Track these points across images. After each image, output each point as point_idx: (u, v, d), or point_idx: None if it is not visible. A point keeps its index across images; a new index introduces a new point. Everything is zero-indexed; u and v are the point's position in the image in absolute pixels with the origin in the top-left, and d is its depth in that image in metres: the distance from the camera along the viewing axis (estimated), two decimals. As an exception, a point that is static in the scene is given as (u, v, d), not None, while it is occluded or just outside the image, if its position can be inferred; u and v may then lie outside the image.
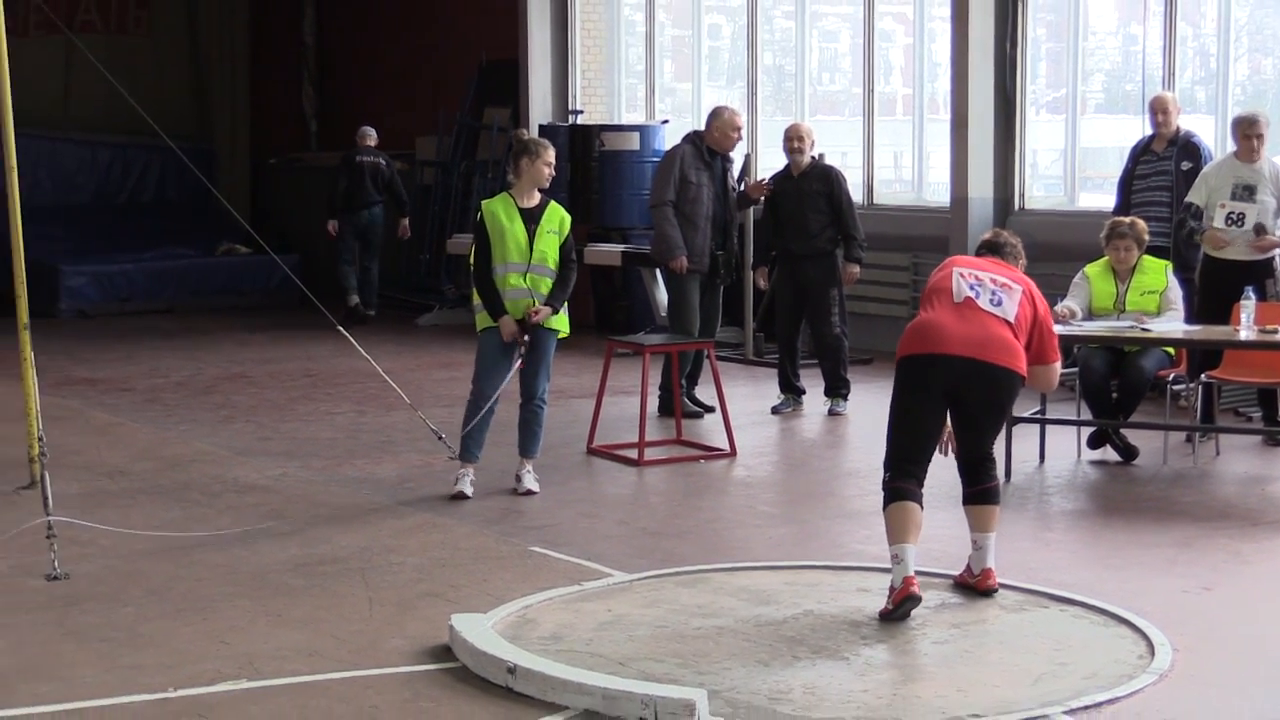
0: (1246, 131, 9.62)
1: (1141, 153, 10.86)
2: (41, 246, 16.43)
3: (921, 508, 6.62)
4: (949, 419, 6.79)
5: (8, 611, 6.67)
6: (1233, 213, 9.69)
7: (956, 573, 6.93)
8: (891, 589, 6.47)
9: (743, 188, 11.87)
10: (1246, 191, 9.65)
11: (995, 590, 6.74)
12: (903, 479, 6.65)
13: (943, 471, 9.25)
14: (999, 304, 6.74)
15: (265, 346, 15.14)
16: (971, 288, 6.78)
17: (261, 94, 21.49)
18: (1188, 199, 10.05)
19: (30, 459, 8.77)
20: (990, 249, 7.19)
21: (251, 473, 9.52)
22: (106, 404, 12.00)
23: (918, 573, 6.52)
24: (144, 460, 9.89)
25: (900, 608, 6.42)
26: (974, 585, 6.77)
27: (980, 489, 6.81)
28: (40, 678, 5.86)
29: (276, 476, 9.42)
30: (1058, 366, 6.99)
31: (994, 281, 6.82)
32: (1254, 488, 9.08)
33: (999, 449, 9.05)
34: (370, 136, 17.11)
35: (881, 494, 6.72)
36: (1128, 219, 9.75)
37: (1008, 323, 6.73)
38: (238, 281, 18.57)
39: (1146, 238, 9.61)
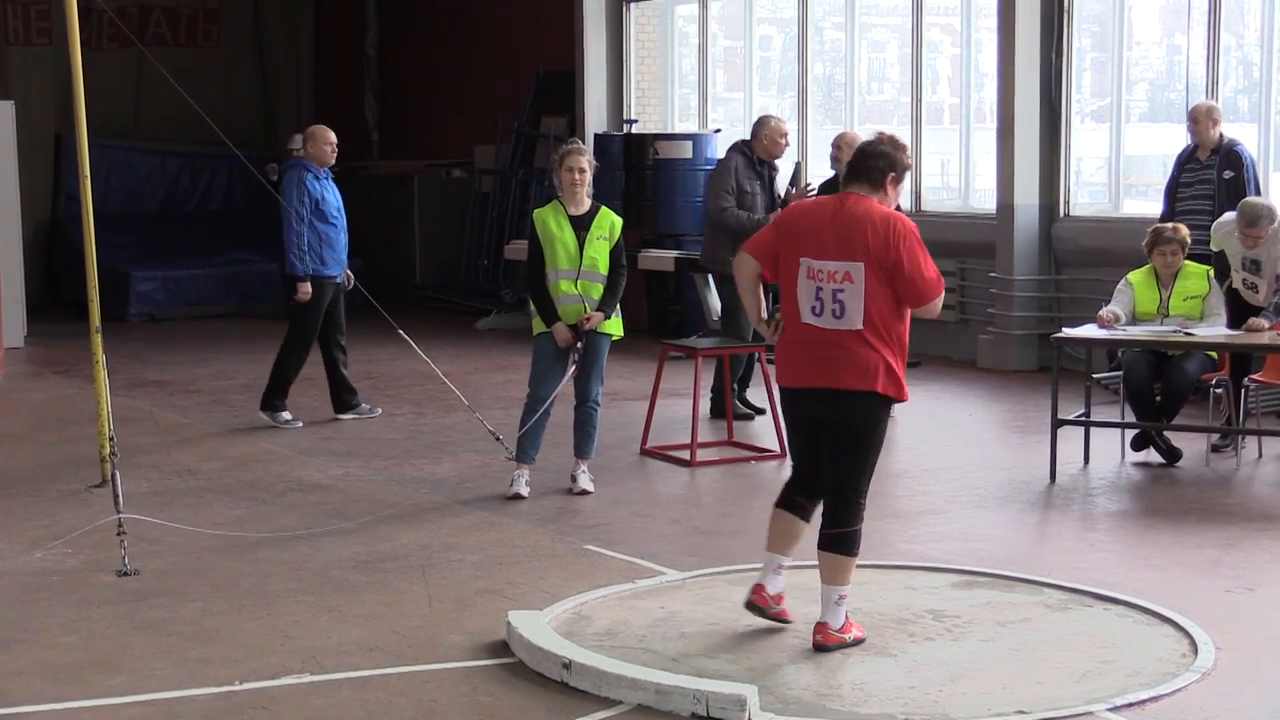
0: (1245, 230, 9.46)
1: (1186, 161, 10.86)
2: (113, 253, 16.72)
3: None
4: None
5: (80, 606, 6.83)
6: (1247, 279, 9.70)
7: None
8: None
9: (790, 193, 11.96)
10: (1254, 265, 9.63)
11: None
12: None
13: (993, 474, 9.40)
14: (840, 314, 6.00)
15: (327, 350, 15.28)
16: (817, 295, 6.01)
17: (325, 105, 21.71)
18: (1213, 246, 10.00)
19: (102, 458, 8.92)
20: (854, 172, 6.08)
21: (314, 472, 9.66)
22: (175, 405, 12.17)
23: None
24: (211, 460, 10.05)
25: None
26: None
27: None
28: (111, 670, 6.00)
29: (339, 476, 9.56)
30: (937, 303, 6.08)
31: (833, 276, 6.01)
32: (1298, 490, 9.13)
33: (1043, 450, 9.21)
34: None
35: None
36: (1170, 225, 9.78)
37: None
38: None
39: (1189, 241, 9.68)
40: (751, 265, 6.20)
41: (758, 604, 6.32)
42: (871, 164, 6.05)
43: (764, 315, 6.30)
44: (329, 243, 11.19)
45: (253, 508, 8.73)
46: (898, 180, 6.09)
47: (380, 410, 11.54)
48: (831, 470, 6.14)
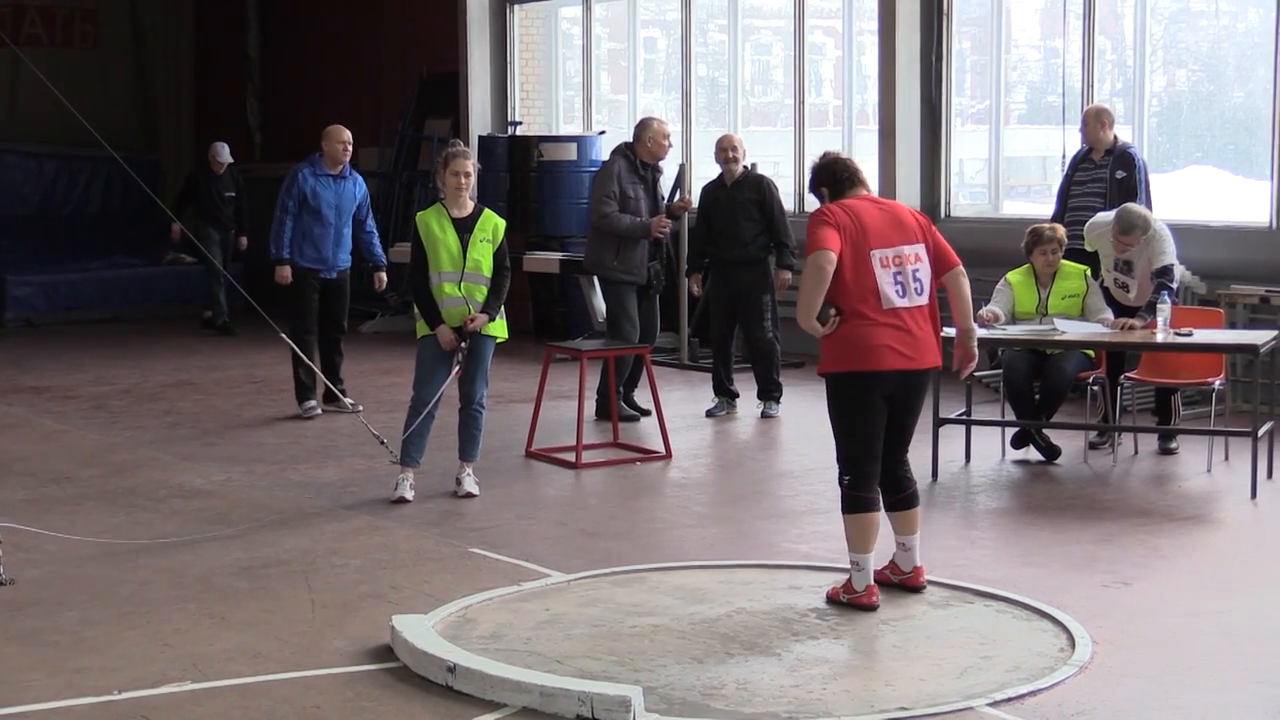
0: (1119, 237, 9.65)
1: (1080, 161, 11.06)
2: (-13, 257, 16.46)
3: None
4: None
5: (-45, 617, 6.69)
6: (1118, 279, 9.90)
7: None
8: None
9: (674, 198, 12.00)
10: (1126, 266, 9.83)
11: (924, 587, 6.91)
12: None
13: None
14: (921, 291, 6.75)
15: (211, 354, 15.13)
16: (895, 280, 6.67)
17: (206, 106, 21.46)
18: (1087, 247, 10.17)
19: (-24, 467, 8.83)
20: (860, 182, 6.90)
21: (196, 478, 9.56)
22: (53, 411, 12.00)
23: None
24: (90, 467, 9.91)
25: None
26: (901, 583, 6.94)
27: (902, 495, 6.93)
28: (-14, 682, 5.90)
29: (221, 481, 9.47)
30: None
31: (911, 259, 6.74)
32: (1170, 485, 9.26)
33: (925, 449, 9.32)
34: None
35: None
36: (1049, 225, 9.95)
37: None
38: (183, 290, 18.55)
39: (1066, 241, 9.85)
40: (835, 261, 6.63)
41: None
42: (862, 175, 6.94)
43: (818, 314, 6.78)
44: (311, 238, 11.37)
45: (132, 514, 8.62)
46: None
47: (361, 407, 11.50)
48: (898, 441, 6.80)
